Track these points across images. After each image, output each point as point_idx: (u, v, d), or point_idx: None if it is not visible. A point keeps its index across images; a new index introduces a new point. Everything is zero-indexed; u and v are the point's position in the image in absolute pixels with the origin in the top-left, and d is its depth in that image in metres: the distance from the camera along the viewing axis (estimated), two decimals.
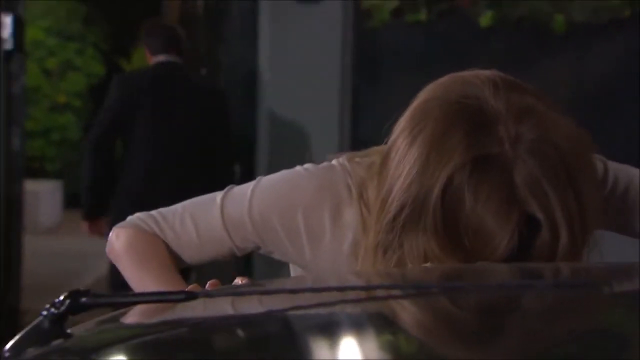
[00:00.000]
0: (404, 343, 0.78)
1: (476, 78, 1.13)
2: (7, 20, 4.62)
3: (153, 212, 1.32)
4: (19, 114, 4.81)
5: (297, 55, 4.38)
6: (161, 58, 3.69)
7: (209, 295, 0.88)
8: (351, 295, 0.88)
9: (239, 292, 0.92)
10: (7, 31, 4.61)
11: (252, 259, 4.03)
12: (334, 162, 1.28)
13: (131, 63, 8.03)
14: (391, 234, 1.12)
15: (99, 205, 3.58)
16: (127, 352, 0.78)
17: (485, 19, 4.41)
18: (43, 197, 7.68)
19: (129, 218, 1.33)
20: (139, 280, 1.30)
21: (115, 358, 0.77)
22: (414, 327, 0.84)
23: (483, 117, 1.09)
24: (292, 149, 4.28)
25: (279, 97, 4.44)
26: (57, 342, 0.81)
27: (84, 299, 0.81)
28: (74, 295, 0.81)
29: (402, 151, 1.12)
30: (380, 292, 0.92)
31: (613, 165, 1.29)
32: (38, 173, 8.25)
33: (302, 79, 4.38)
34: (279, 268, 1.89)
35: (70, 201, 8.06)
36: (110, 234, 1.33)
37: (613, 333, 0.77)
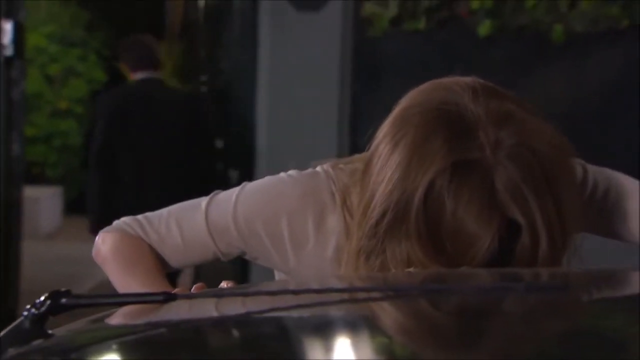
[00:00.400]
0: (381, 344, 0.78)
1: (456, 84, 1.14)
2: (8, 26, 4.64)
3: (139, 216, 1.32)
4: (18, 119, 4.82)
5: (297, 63, 4.40)
6: (141, 75, 4.03)
7: (187, 297, 0.89)
8: (330, 297, 0.89)
9: (216, 295, 0.93)
10: (8, 37, 4.63)
11: (249, 262, 4.03)
12: (318, 168, 1.29)
13: None
14: (374, 240, 1.13)
15: (104, 217, 3.67)
16: (106, 351, 0.79)
17: (484, 28, 4.42)
18: (43, 202, 7.70)
19: (115, 222, 1.34)
20: (125, 283, 1.30)
21: (94, 358, 0.78)
22: (390, 328, 0.84)
23: (463, 122, 1.10)
24: (291, 156, 4.29)
25: (279, 103, 4.45)
26: (37, 342, 0.81)
27: (64, 300, 0.82)
28: (54, 296, 0.82)
29: (384, 157, 1.14)
30: (359, 295, 0.92)
31: (592, 169, 1.31)
32: (39, 179, 8.27)
33: (301, 86, 4.39)
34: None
35: (71, 207, 8.07)
36: (97, 238, 1.33)
37: (586, 335, 0.78)
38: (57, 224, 7.99)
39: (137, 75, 4.03)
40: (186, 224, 1.29)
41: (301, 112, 4.37)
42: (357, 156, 1.28)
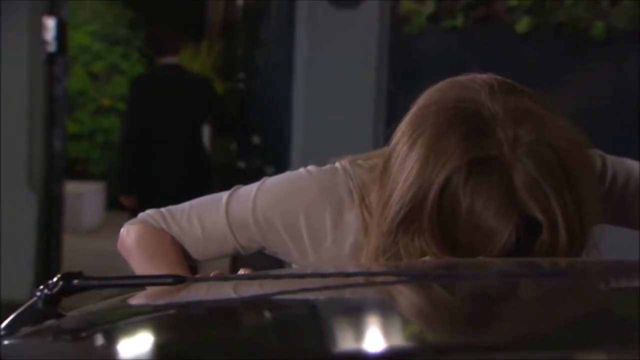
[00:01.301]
0: (397, 326, 0.79)
1: (473, 82, 1.14)
2: (51, 23, 4.72)
3: (162, 209, 1.35)
4: (60, 116, 4.90)
5: (334, 60, 4.40)
6: (165, 60, 4.52)
7: (196, 280, 0.91)
8: (343, 281, 0.90)
9: (225, 279, 0.95)
10: (51, 34, 4.71)
11: None
12: (336, 164, 1.29)
13: None
14: (391, 237, 1.13)
15: (131, 184, 4.41)
16: (116, 331, 0.81)
17: (522, 25, 4.39)
18: (86, 198, 7.81)
19: (140, 215, 1.36)
20: (147, 273, 1.32)
21: (104, 336, 0.80)
22: (405, 311, 0.85)
23: (480, 120, 1.10)
24: (327, 153, 4.30)
25: (315, 101, 4.47)
26: (49, 322, 0.84)
27: (75, 281, 0.84)
28: (66, 277, 0.84)
29: (402, 156, 1.14)
30: (371, 279, 0.93)
31: (612, 159, 1.30)
32: (83, 175, 8.39)
33: (337, 84, 4.40)
34: None
35: (113, 202, 8.19)
36: (122, 230, 1.36)
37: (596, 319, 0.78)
38: (99, 219, 8.10)
39: (162, 61, 4.53)
40: (207, 218, 1.31)
41: (337, 109, 4.37)
42: (375, 152, 1.28)
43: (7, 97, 4.61)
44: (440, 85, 1.17)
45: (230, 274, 1.11)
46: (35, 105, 4.73)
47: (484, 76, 1.15)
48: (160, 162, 4.38)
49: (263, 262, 1.58)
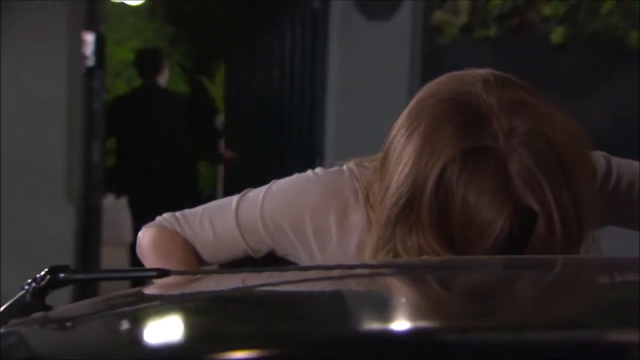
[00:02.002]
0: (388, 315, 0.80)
1: (470, 76, 1.15)
2: (90, 38, 4.81)
3: (177, 213, 1.38)
4: (98, 128, 4.98)
5: (366, 72, 4.41)
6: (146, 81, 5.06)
7: (180, 273, 0.92)
8: (334, 273, 0.91)
9: (210, 272, 0.96)
10: (90, 49, 4.80)
11: None
12: (343, 167, 1.31)
13: (214, 82, 8.22)
14: (388, 229, 1.14)
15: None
16: (100, 321, 0.83)
17: (557, 35, 4.35)
18: (127, 211, 7.91)
19: (157, 219, 1.39)
20: None
21: (89, 326, 0.82)
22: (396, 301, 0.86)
23: (475, 111, 1.11)
24: None
25: (347, 112, 4.48)
26: (37, 314, 0.86)
27: (62, 275, 0.86)
28: (53, 270, 0.86)
29: (399, 148, 1.15)
30: (367, 271, 0.94)
31: (617, 161, 1.29)
32: None
33: (370, 95, 4.40)
34: None
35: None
36: (139, 234, 1.39)
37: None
38: None
39: (145, 81, 5.02)
40: (218, 222, 1.33)
41: (370, 120, 4.38)
42: (380, 154, 1.29)
43: (47, 110, 4.71)
44: (439, 79, 1.18)
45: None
46: (74, 119, 4.82)
47: (482, 70, 1.16)
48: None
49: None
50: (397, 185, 1.13)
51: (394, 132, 1.18)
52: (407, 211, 1.12)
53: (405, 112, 1.18)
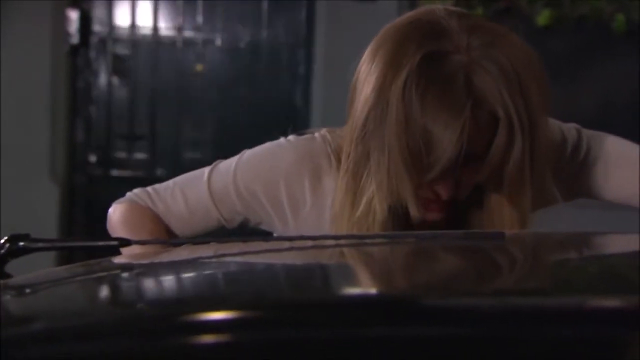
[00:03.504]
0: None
1: (429, 7, 1.20)
2: (74, 15, 4.77)
3: (148, 187, 1.37)
4: (83, 107, 4.95)
5: (353, 53, 4.40)
6: None
7: (140, 242, 0.92)
8: (297, 244, 0.91)
9: (172, 242, 0.96)
10: (74, 26, 4.77)
11: None
12: (315, 134, 1.31)
13: None
14: (360, 147, 1.16)
15: None
16: (58, 289, 0.82)
17: (543, 18, 4.35)
18: None
19: (127, 194, 1.38)
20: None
21: (46, 292, 0.81)
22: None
23: (436, 29, 1.14)
24: None
25: (334, 93, 4.47)
26: None
27: (22, 243, 0.85)
28: (12, 239, 0.85)
29: (364, 76, 1.18)
30: (325, 242, 0.94)
31: (588, 133, 1.31)
32: None
33: None
34: None
35: None
36: (110, 209, 1.38)
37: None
38: None
39: None
40: (190, 193, 1.33)
41: None
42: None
43: (30, 89, 4.68)
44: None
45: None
46: (57, 97, 4.79)
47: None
48: None
49: None
50: (364, 103, 1.15)
51: (358, 68, 1.20)
52: (375, 127, 1.14)
53: (368, 47, 1.19)
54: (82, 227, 4.93)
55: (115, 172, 4.91)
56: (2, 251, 0.84)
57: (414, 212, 1.16)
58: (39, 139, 4.73)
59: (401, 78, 1.11)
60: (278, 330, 0.64)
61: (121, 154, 4.91)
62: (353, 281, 0.81)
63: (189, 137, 4.84)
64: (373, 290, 0.77)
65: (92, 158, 4.92)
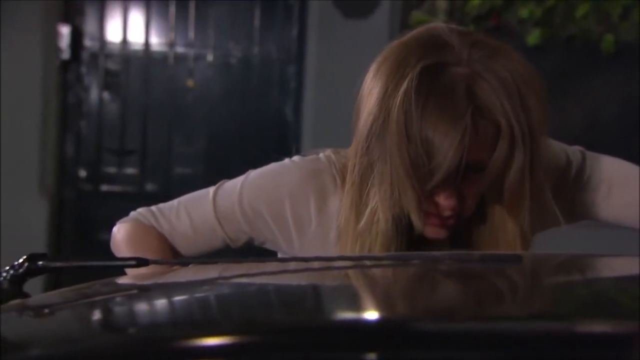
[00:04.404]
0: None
1: (431, 24, 1.23)
2: (65, 30, 4.77)
3: (152, 207, 1.37)
4: (73, 122, 4.94)
5: (343, 70, 4.42)
6: None
7: (158, 262, 0.92)
8: (312, 264, 0.91)
9: (187, 262, 0.96)
10: (65, 41, 4.76)
11: None
12: (320, 154, 1.32)
13: None
14: (365, 158, 1.18)
15: None
16: (77, 310, 0.82)
17: (533, 37, 4.39)
18: None
19: (131, 213, 1.39)
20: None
21: (64, 314, 0.82)
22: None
23: (438, 42, 1.17)
24: None
25: (325, 112, 4.49)
26: (15, 301, 0.85)
27: (40, 262, 0.85)
28: (31, 258, 0.86)
29: (368, 89, 1.20)
30: (332, 264, 0.95)
31: (591, 156, 1.33)
32: None
33: (348, 92, 4.41)
34: None
35: None
36: (114, 228, 1.38)
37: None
38: None
39: None
40: (195, 212, 1.33)
41: (347, 118, 4.39)
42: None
43: (21, 103, 4.67)
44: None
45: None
46: (48, 112, 4.78)
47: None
48: None
49: None
50: (367, 115, 1.17)
51: (363, 84, 1.22)
52: (378, 137, 1.15)
53: (373, 63, 1.22)
54: (71, 242, 4.92)
55: (105, 187, 4.90)
56: (21, 270, 0.85)
57: (416, 221, 1.17)
58: (29, 154, 4.71)
59: (402, 88, 1.13)
60: (271, 355, 0.65)
61: (111, 169, 4.90)
62: (351, 305, 0.81)
63: (180, 152, 4.84)
64: (367, 315, 0.77)
65: (82, 173, 4.91)
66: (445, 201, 1.17)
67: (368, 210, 1.19)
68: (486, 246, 1.20)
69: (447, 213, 1.18)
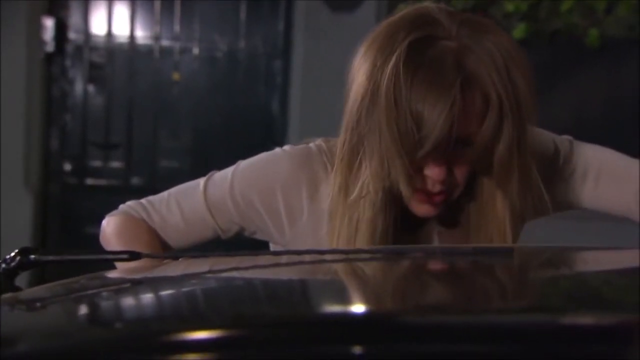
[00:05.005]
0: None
1: (419, 5, 1.23)
2: (50, 23, 4.75)
3: (142, 200, 1.37)
4: (58, 116, 4.92)
5: (330, 64, 4.42)
6: None
7: (150, 256, 0.92)
8: (292, 258, 0.91)
9: (178, 255, 0.96)
10: (49, 34, 4.73)
11: None
12: (310, 144, 1.32)
13: None
14: (355, 133, 1.18)
15: None
16: (69, 304, 0.82)
17: (519, 31, 4.40)
18: None
19: (120, 207, 1.38)
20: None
21: (56, 308, 0.82)
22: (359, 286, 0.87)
23: (427, 20, 1.18)
24: None
25: (311, 106, 4.49)
26: (7, 295, 0.85)
27: (32, 256, 0.85)
28: (23, 252, 0.85)
29: (358, 64, 1.20)
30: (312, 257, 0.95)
31: (580, 146, 1.34)
32: None
33: (334, 86, 4.41)
34: None
35: None
36: (103, 222, 1.38)
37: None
38: None
39: None
40: (186, 204, 1.33)
41: (334, 112, 4.39)
42: None
43: (4, 96, 4.64)
44: None
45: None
46: (32, 106, 4.76)
47: None
48: None
49: None
50: (357, 90, 1.18)
51: (353, 62, 1.23)
52: (368, 111, 1.16)
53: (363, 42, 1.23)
54: (57, 236, 4.90)
55: (90, 181, 4.87)
56: (13, 264, 0.85)
57: (405, 193, 1.17)
58: (14, 148, 4.69)
59: (391, 62, 1.14)
60: (261, 348, 0.65)
61: (96, 163, 4.88)
62: (339, 298, 0.81)
63: (165, 146, 4.83)
64: (356, 309, 0.77)
65: (67, 167, 4.88)
66: (434, 173, 1.17)
67: (359, 184, 1.19)
68: (475, 225, 1.21)
69: (436, 188, 1.18)
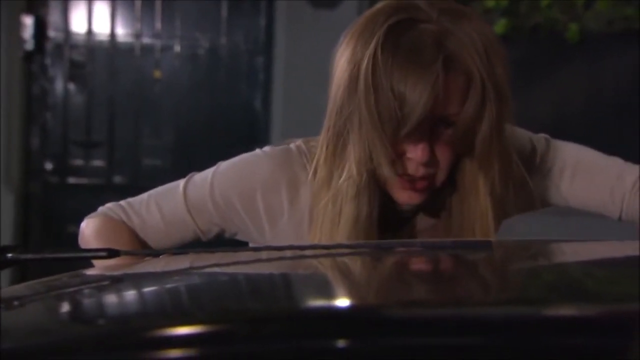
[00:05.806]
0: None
1: None
2: (29, 21, 4.71)
3: (122, 202, 1.36)
4: (38, 114, 4.89)
5: (312, 60, 4.42)
6: None
7: (129, 253, 0.92)
8: (274, 254, 0.91)
9: (158, 253, 0.96)
10: (29, 32, 4.70)
11: None
12: (290, 145, 1.32)
13: None
14: (338, 119, 1.19)
15: None
16: (48, 302, 0.82)
17: (499, 27, 4.42)
18: None
19: (100, 208, 1.37)
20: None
21: (35, 306, 0.81)
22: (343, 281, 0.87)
23: (407, 4, 1.18)
24: None
25: (293, 103, 4.48)
26: None
27: (10, 255, 0.84)
28: (1, 250, 0.85)
29: (340, 52, 1.21)
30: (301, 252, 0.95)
31: (556, 144, 1.35)
32: None
33: (316, 83, 4.41)
34: None
35: None
36: (82, 224, 1.37)
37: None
38: None
39: None
40: (165, 205, 1.33)
41: (316, 109, 4.39)
42: None
43: None
44: None
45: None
46: (12, 104, 4.72)
47: None
48: None
49: None
50: (339, 77, 1.18)
51: (335, 55, 1.23)
52: (348, 96, 1.16)
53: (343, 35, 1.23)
54: (39, 236, 4.87)
55: (71, 180, 4.85)
56: None
57: (388, 175, 1.17)
58: None
59: (371, 45, 1.14)
60: (243, 343, 0.65)
61: (78, 162, 4.85)
62: (322, 293, 0.81)
63: (148, 144, 4.81)
64: (338, 303, 0.77)
65: (48, 165, 4.86)
66: (417, 155, 1.17)
67: (345, 170, 1.20)
68: (458, 214, 1.21)
69: (420, 171, 1.18)
